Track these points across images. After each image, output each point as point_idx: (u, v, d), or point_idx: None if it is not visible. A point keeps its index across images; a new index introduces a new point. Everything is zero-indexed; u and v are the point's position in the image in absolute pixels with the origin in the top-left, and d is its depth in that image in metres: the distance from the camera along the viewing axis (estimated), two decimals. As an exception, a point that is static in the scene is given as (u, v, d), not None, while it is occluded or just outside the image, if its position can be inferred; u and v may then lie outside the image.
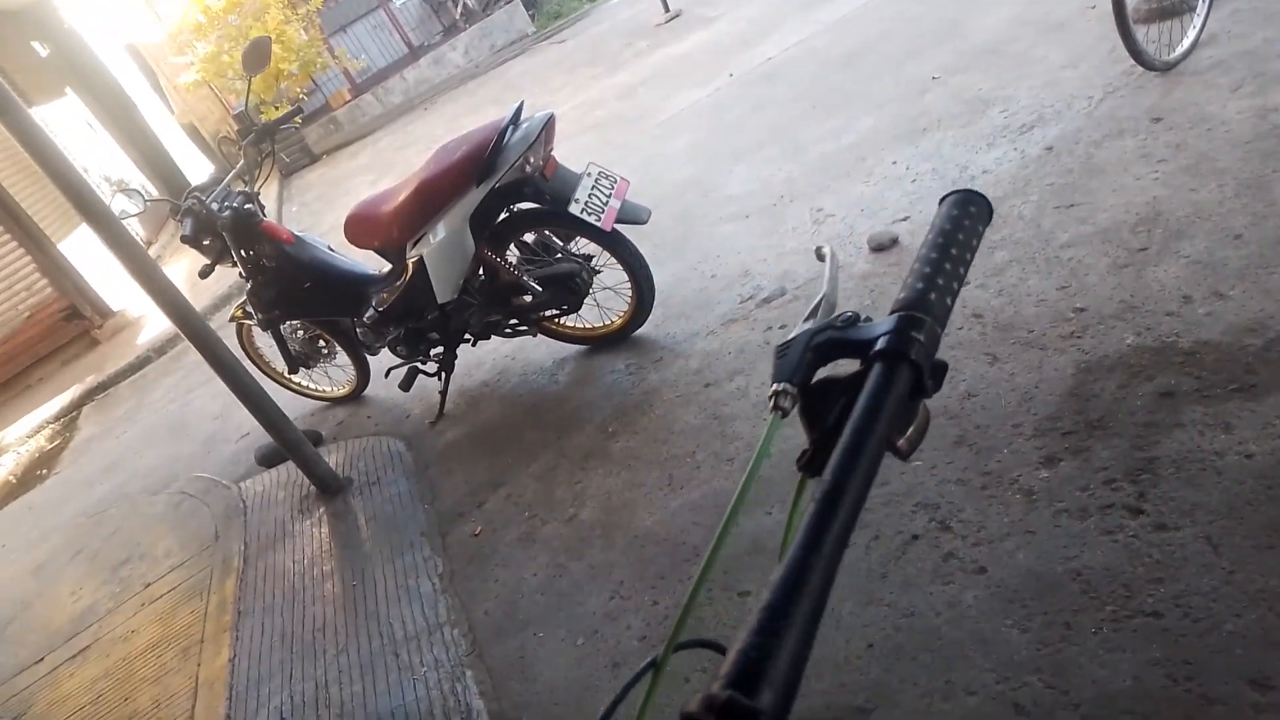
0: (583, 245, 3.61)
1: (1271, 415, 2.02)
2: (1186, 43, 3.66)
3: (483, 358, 4.20)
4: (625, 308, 3.67)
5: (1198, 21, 3.70)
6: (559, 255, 3.61)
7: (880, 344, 0.59)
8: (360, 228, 3.63)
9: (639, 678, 0.63)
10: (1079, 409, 2.30)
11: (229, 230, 3.76)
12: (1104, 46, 4.08)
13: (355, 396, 4.53)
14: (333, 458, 3.84)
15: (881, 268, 3.33)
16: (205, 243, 3.81)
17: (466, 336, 3.83)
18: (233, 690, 2.73)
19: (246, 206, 3.80)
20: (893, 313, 0.61)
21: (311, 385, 4.65)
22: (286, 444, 3.48)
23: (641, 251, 3.47)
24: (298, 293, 3.89)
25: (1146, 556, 1.86)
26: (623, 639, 2.33)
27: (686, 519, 2.61)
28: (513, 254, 3.59)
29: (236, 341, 4.43)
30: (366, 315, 3.82)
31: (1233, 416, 2.06)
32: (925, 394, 0.60)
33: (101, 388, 7.24)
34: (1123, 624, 1.76)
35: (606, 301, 3.71)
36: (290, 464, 3.92)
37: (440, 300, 3.59)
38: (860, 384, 0.58)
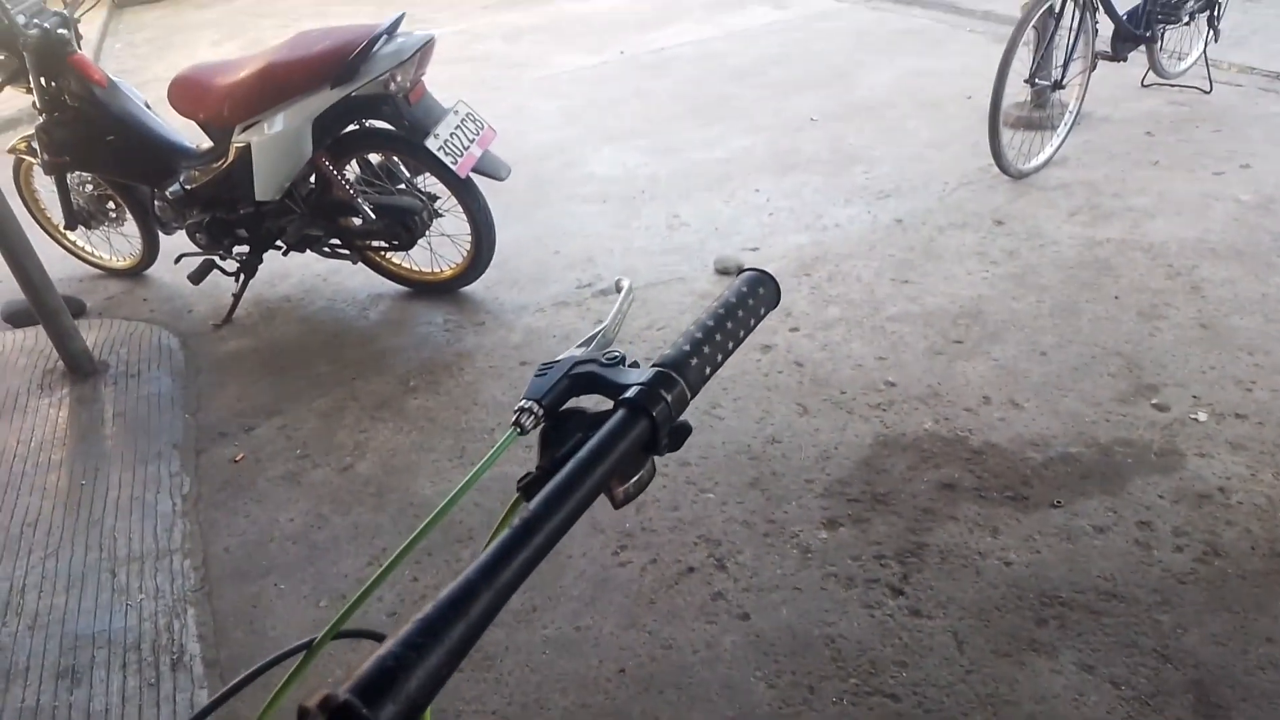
0: (430, 183, 3.39)
1: (1034, 529, 2.16)
2: (1042, 157, 3.91)
3: (290, 269, 3.88)
4: (459, 260, 3.49)
5: (1056, 141, 3.96)
6: (402, 186, 3.38)
7: (629, 393, 0.60)
8: (188, 93, 3.25)
9: (290, 655, 0.59)
10: (868, 479, 2.38)
11: (32, 52, 3.27)
12: (970, 137, 4.29)
13: (136, 273, 4.08)
14: (92, 335, 3.43)
15: (719, 290, 3.33)
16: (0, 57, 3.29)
17: (278, 243, 3.52)
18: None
19: (60, 31, 3.31)
20: (653, 366, 0.63)
21: (88, 248, 4.14)
22: (42, 310, 3.06)
23: (490, 207, 3.30)
24: (98, 144, 3.43)
25: (897, 638, 1.94)
26: (370, 610, 2.19)
27: (470, 497, 2.50)
28: (351, 170, 3.33)
29: (11, 176, 3.87)
30: (170, 190, 3.43)
31: (1001, 522, 2.19)
32: (657, 450, 0.61)
33: None
34: (861, 700, 1.82)
35: (440, 248, 3.51)
36: (40, 330, 3.46)
37: (259, 197, 3.28)
38: (600, 424, 0.59)
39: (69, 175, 3.66)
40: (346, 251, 3.48)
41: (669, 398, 0.60)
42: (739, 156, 4.51)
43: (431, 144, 3.01)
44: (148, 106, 3.56)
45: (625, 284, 0.83)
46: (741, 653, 1.95)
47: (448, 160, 3.04)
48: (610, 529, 2.31)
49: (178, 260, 3.60)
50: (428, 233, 3.36)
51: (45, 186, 3.97)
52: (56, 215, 3.94)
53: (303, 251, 3.54)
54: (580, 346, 0.70)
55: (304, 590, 2.28)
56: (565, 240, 3.89)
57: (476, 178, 3.19)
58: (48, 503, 2.61)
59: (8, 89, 3.46)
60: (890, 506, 2.28)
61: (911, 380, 2.72)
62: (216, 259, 3.54)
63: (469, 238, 3.38)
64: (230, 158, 3.25)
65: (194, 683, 2.04)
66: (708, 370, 0.65)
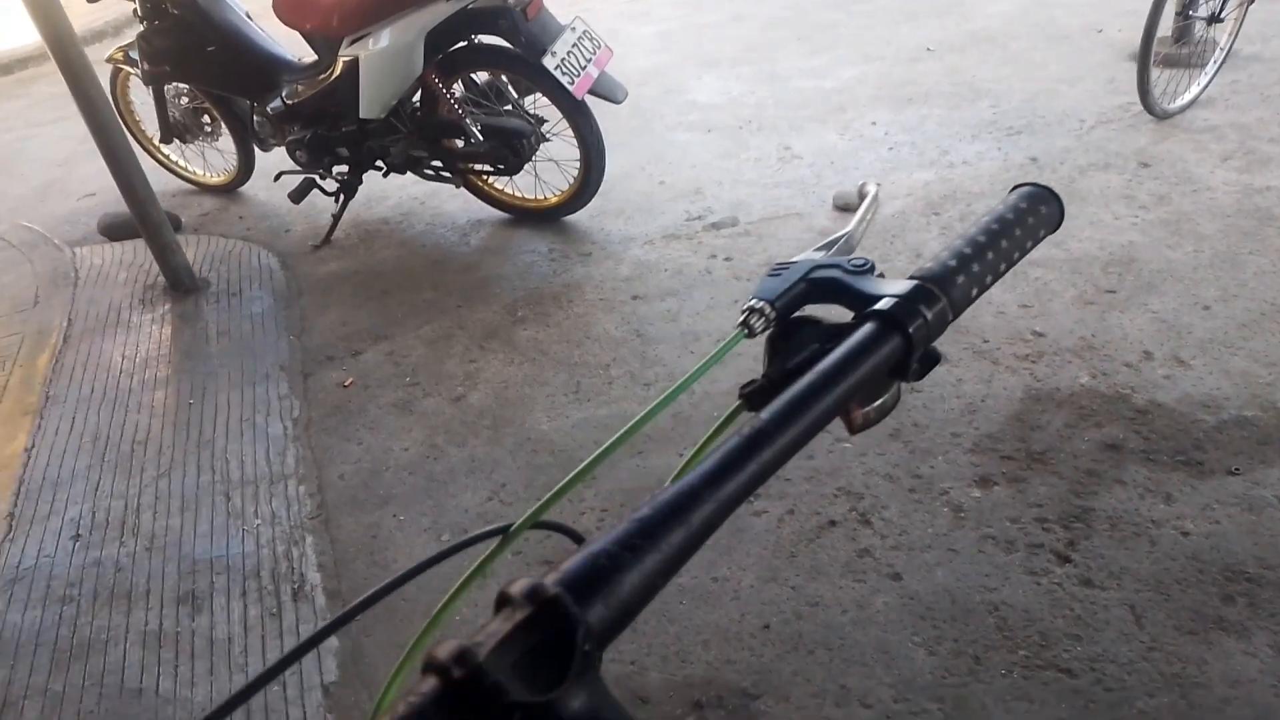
0: (538, 104, 3.23)
1: (1212, 498, 1.98)
2: (1187, 97, 3.60)
3: (388, 191, 3.77)
4: (566, 186, 3.34)
5: (1203, 80, 3.65)
6: (509, 107, 3.23)
7: (882, 303, 0.53)
8: (295, 2, 3.10)
9: (485, 537, 0.53)
10: (1022, 436, 2.21)
11: (133, -45, 3.15)
12: (1104, 74, 3.99)
13: (230, 189, 4.01)
14: (190, 252, 3.36)
15: (840, 227, 3.14)
16: (100, -39, 3.18)
17: (379, 163, 3.40)
18: (22, 485, 2.34)
19: (162, -66, 3.19)
20: (910, 278, 0.55)
21: (183, 163, 4.07)
22: (145, 222, 2.99)
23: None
24: (198, 54, 3.33)
25: (1068, 609, 1.79)
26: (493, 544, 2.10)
27: (588, 435, 2.39)
28: (458, 89, 3.18)
29: (108, 88, 3.79)
30: (272, 105, 3.32)
31: (1175, 489, 2.01)
32: (905, 376, 0.54)
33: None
34: (1034, 673, 1.69)
35: (547, 174, 3.36)
36: (139, 243, 3.41)
37: (363, 115, 3.15)
38: (843, 336, 0.53)
39: (166, 87, 3.57)
40: (449, 174, 3.35)
41: (929, 315, 0.52)
42: (850, 87, 4.26)
43: (549, 62, 2.85)
44: (249, 18, 3.44)
45: (872, 188, 0.75)
46: (896, 615, 1.82)
47: (564, 80, 2.87)
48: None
49: (277, 178, 3.50)
50: (534, 157, 3.22)
51: (141, 99, 3.90)
52: (151, 128, 3.88)
53: (403, 173, 3.42)
54: (819, 250, 0.64)
55: (424, 523, 2.20)
56: (670, 170, 3.71)
57: (591, 101, 3.03)
58: (156, 421, 2.57)
59: (109, -6, 3.35)
60: (1049, 466, 2.11)
61: (1061, 331, 2.53)
62: (316, 178, 3.43)
63: (577, 164, 3.22)
64: (336, 72, 3.12)
65: (316, 614, 1.98)
66: (974, 291, 0.57)
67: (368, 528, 2.21)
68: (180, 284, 3.12)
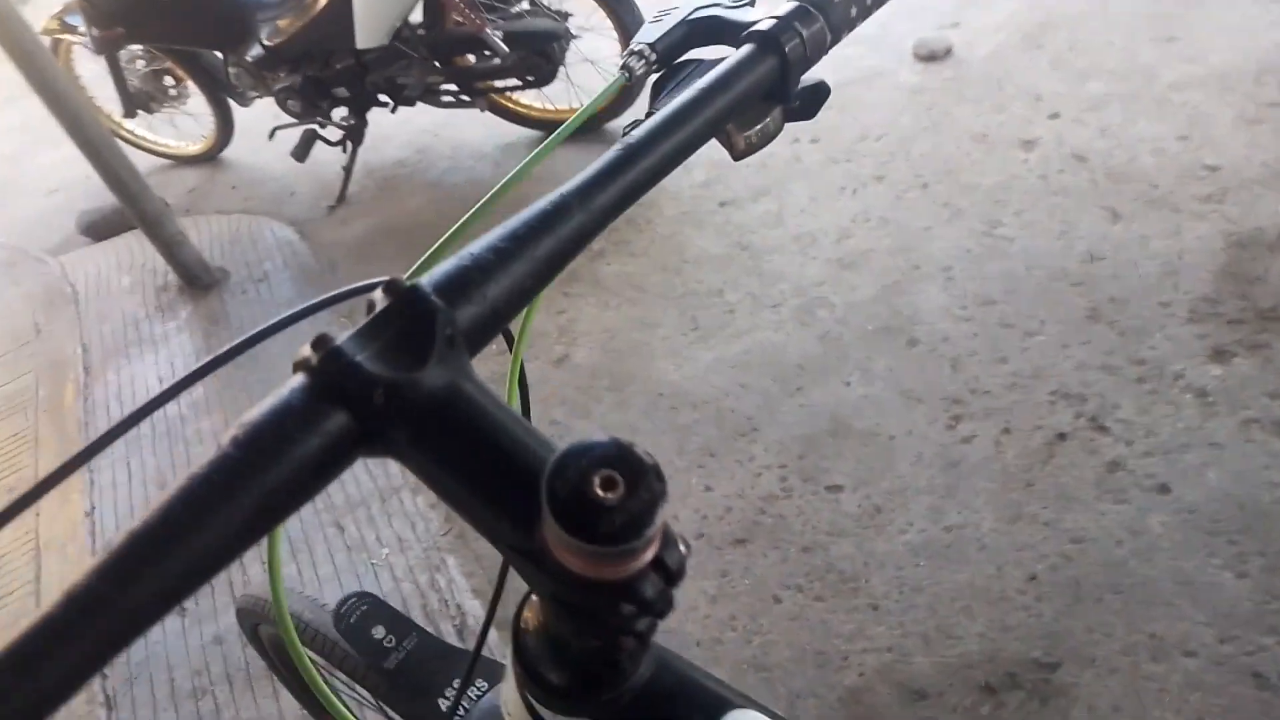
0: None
1: None
2: None
3: (391, 130, 3.31)
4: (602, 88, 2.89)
5: None
6: (526, 5, 2.76)
7: (756, 25, 0.53)
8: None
9: (371, 289, 0.41)
10: (1242, 293, 1.89)
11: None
12: None
13: (212, 156, 3.54)
14: (193, 238, 2.93)
15: (934, 80, 2.75)
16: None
17: (383, 98, 2.95)
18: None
19: None
20: (789, 0, 0.54)
21: (150, 136, 3.58)
22: (143, 217, 2.56)
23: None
24: (154, 7, 2.82)
25: (1388, 495, 1.52)
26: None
27: (728, 379, 2.06)
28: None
29: (46, 64, 3.27)
30: (251, 52, 2.84)
31: None
32: (786, 99, 0.55)
33: None
34: (1381, 582, 1.42)
35: (580, 77, 2.92)
36: (131, 239, 2.99)
37: (360, 45, 2.69)
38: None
39: (121, 52, 3.06)
40: (468, 98, 2.90)
41: (804, 34, 0.53)
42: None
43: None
44: (200, -50, 2.91)
45: None
46: (1180, 536, 1.54)
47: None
48: (930, 397, 1.87)
49: (271, 135, 3.03)
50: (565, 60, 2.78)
51: (87, 70, 3.38)
52: (106, 103, 3.37)
53: (413, 104, 2.97)
54: None
55: (574, 517, 1.89)
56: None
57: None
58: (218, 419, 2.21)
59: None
60: (1291, 323, 1.81)
61: (1238, 160, 2.18)
62: (316, 128, 2.98)
63: (618, 59, 2.78)
64: (323, 0, 2.64)
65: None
66: (853, 11, 0.56)
67: (511, 533, 1.90)
68: (196, 280, 2.71)
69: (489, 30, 2.61)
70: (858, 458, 1.81)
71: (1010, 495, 1.68)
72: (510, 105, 3.00)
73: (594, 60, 2.85)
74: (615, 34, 2.69)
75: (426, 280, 0.37)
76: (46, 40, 3.18)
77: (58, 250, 3.23)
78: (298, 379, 0.34)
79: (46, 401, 2.45)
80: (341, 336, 0.34)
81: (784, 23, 0.52)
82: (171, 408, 2.38)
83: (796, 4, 0.54)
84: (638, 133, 0.47)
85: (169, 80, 3.28)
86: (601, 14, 2.69)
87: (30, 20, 2.37)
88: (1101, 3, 2.84)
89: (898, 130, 2.61)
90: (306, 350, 0.34)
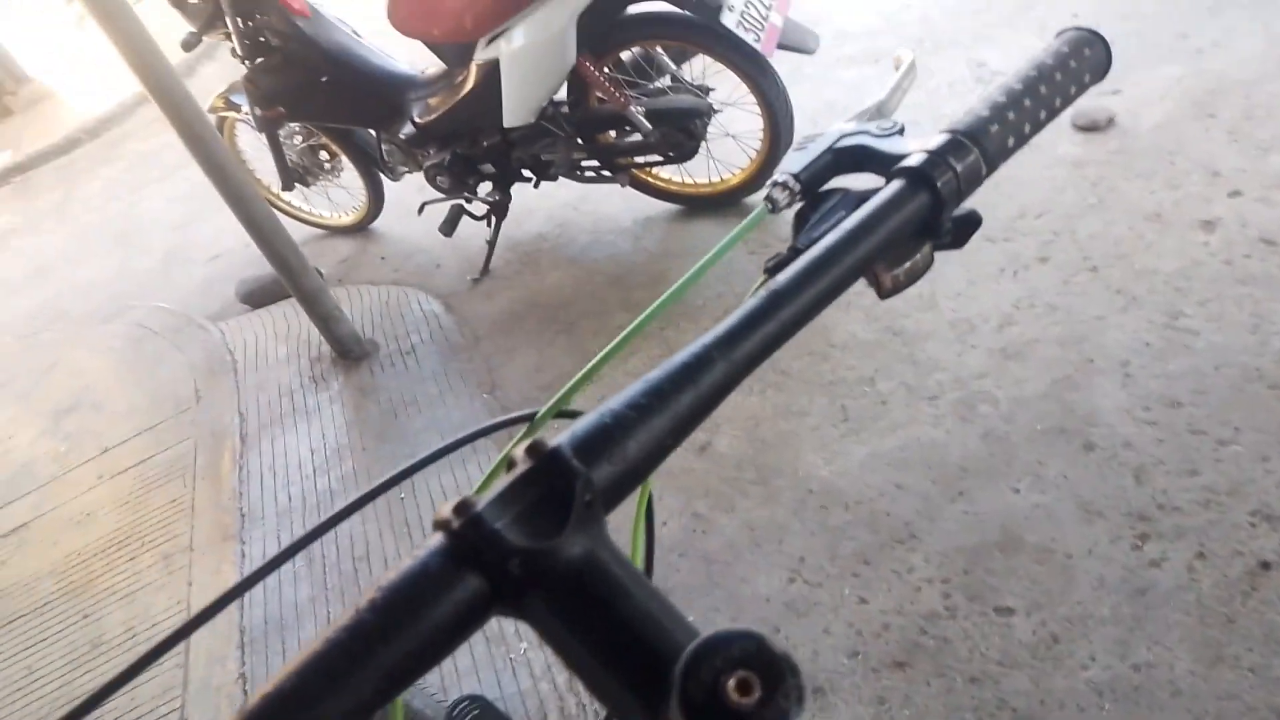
0: (706, 73, 2.75)
1: None
2: None
3: (533, 204, 3.36)
4: (746, 162, 2.86)
5: None
6: (668, 81, 2.76)
7: (908, 159, 0.51)
8: (416, 7, 2.68)
9: (511, 424, 0.50)
10: None
11: (226, -11, 2.78)
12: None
13: (362, 227, 3.67)
14: (345, 309, 3.03)
15: (1097, 153, 2.59)
16: (193, 1, 2.82)
17: (527, 174, 2.99)
18: (244, 634, 2.04)
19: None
20: (942, 131, 0.52)
21: (306, 208, 3.75)
22: (301, 293, 2.66)
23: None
24: (313, 88, 2.95)
25: None
26: (821, 648, 1.70)
27: (883, 477, 1.96)
28: (607, 72, 2.72)
29: (216, 141, 3.47)
30: (403, 130, 2.94)
31: None
32: (938, 236, 0.52)
33: (19, 169, 6.07)
34: None
35: (719, 151, 2.89)
36: (287, 307, 3.11)
37: (509, 124, 2.73)
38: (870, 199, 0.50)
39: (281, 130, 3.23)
40: (609, 173, 2.91)
41: (958, 168, 0.50)
42: (1027, -24, 3.62)
43: (728, 20, 2.36)
44: (356, 35, 3.04)
45: (908, 57, 0.68)
46: None
47: (748, 38, 2.39)
48: (1112, 510, 1.72)
49: (421, 210, 3.12)
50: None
51: (249, 144, 3.57)
52: (266, 177, 3.55)
53: (555, 179, 3.00)
54: (851, 120, 0.60)
55: (719, 621, 1.80)
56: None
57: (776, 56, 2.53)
58: (371, 527, 2.25)
59: (205, 39, 2.99)
60: None
61: None
62: (463, 203, 3.05)
63: (759, 134, 2.74)
64: (472, 80, 2.71)
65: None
66: (1011, 141, 0.54)
67: (654, 636, 1.84)
68: (349, 352, 2.80)
69: (633, 108, 2.61)
70: (1031, 577, 1.67)
71: (1208, 632, 1.51)
72: (650, 180, 3.00)
73: (735, 135, 2.82)
74: (758, 108, 2.65)
75: (567, 441, 0.37)
76: (212, 118, 3.40)
77: (217, 316, 3.40)
78: (436, 540, 0.34)
79: (204, 470, 2.56)
80: (482, 502, 0.34)
81: (937, 157, 0.50)
82: (321, 481, 2.44)
83: (949, 135, 0.51)
84: (782, 278, 0.46)
85: (324, 155, 3.43)
86: (745, 89, 2.66)
87: (195, 95, 2.51)
88: (1275, 63, 2.63)
89: (1060, 207, 2.46)
90: (447, 511, 0.34)
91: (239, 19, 2.84)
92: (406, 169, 3.16)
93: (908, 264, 0.53)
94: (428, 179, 3.03)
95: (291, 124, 3.27)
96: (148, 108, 5.82)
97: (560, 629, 0.35)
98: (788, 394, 2.24)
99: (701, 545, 1.97)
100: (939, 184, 0.50)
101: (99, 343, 3.42)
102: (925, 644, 1.64)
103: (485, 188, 3.05)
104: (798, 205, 0.56)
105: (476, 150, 2.90)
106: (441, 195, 3.05)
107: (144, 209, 4.71)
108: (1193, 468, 1.75)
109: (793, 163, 0.57)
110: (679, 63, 2.77)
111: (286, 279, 2.61)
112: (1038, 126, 0.56)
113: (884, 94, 0.65)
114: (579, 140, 2.80)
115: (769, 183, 0.55)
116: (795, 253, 0.50)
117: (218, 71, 6.24)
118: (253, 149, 3.57)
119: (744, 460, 2.12)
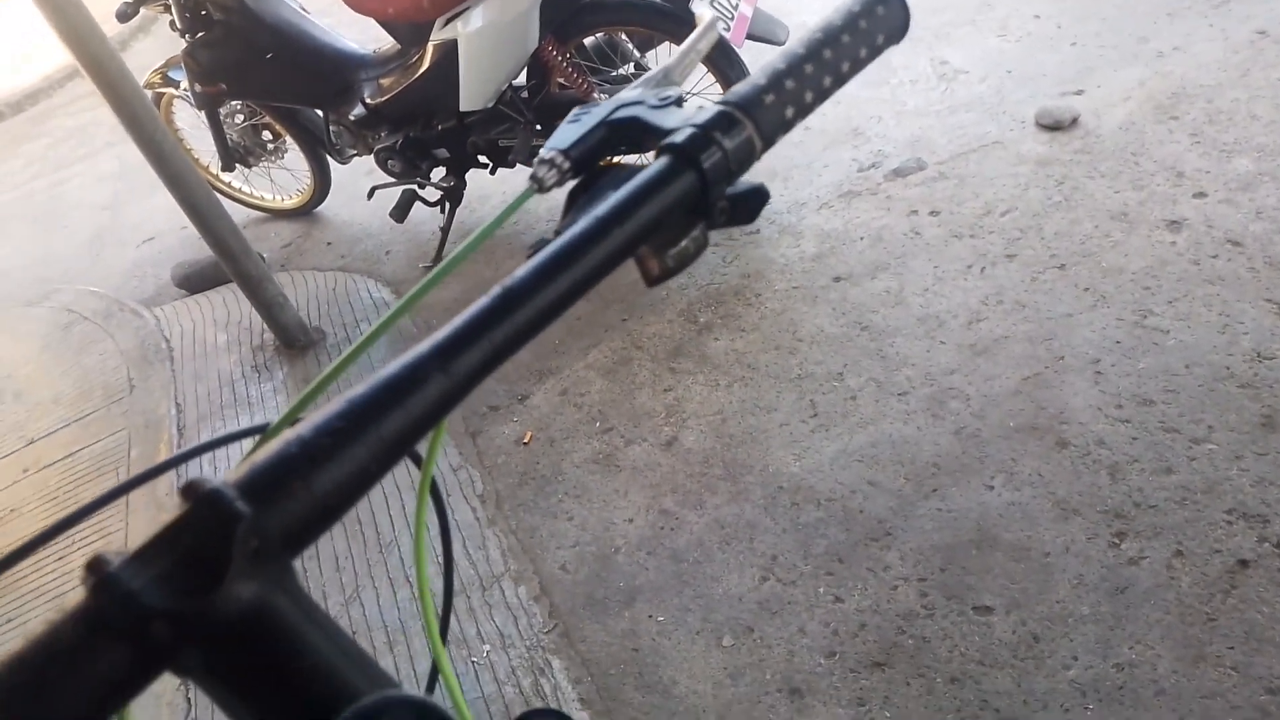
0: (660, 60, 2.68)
1: None
2: None
3: (488, 190, 3.26)
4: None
5: None
6: (631, 68, 2.69)
7: (674, 135, 0.46)
8: (372, -16, 2.56)
9: (241, 437, 0.48)
10: None
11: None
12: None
13: (307, 211, 3.52)
14: (289, 295, 2.89)
15: (1062, 152, 2.60)
16: (131, -29, 2.67)
17: (483, 160, 2.90)
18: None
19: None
20: (717, 103, 0.47)
21: (247, 189, 3.59)
22: (244, 279, 2.52)
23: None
24: (257, 65, 2.81)
25: None
26: (797, 648, 1.65)
27: (855, 474, 1.92)
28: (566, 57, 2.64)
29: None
30: (353, 111, 2.81)
31: None
32: (708, 215, 0.47)
33: (-68, 144, 5.73)
34: None
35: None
36: (226, 292, 2.96)
37: (464, 107, 2.64)
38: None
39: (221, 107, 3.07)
40: (569, 160, 2.82)
41: (727, 145, 0.46)
42: (986, -23, 3.63)
43: (699, 6, 2.30)
44: (304, 11, 2.91)
45: (707, 15, 0.59)
46: (1401, 695, 1.35)
47: (719, 27, 2.33)
48: (1088, 508, 1.71)
49: (370, 195, 3.00)
50: (672, 124, 2.68)
51: (187, 123, 3.41)
52: (205, 157, 3.39)
53: (513, 166, 2.90)
54: (636, 88, 0.54)
55: (692, 623, 1.76)
56: (814, 114, 3.15)
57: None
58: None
59: (143, 10, 2.82)
60: None
61: None
62: (416, 188, 2.93)
63: (725, 124, 2.68)
64: (428, 61, 2.60)
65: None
66: (790, 113, 0.49)
67: (622, 637, 1.77)
68: (294, 341, 2.66)
69: (595, 94, 2.54)
70: (1009, 575, 1.65)
71: (1190, 631, 1.50)
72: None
73: (701, 125, 2.76)
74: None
75: (243, 475, 0.32)
76: (149, 94, 3.22)
77: (151, 302, 3.23)
78: (75, 601, 0.30)
79: (138, 463, 2.41)
80: (120, 558, 0.30)
81: (702, 134, 0.45)
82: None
83: (720, 109, 0.47)
84: (520, 272, 0.41)
85: (267, 135, 3.28)
86: (711, 79, 2.60)
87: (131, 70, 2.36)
88: (1240, 72, 2.67)
89: (1026, 205, 2.46)
90: (88, 563, 0.30)
91: (180, -11, 2.69)
92: (355, 152, 3.04)
93: (678, 247, 0.48)
94: (378, 163, 2.91)
95: (233, 102, 3.12)
96: (78, 82, 5.56)
97: (220, 688, 0.32)
98: (755, 389, 2.19)
99: (670, 543, 1.91)
100: (705, 163, 0.45)
101: (21, 328, 3.21)
102: (904, 644, 1.60)
103: (439, 173, 2.94)
104: (571, 183, 0.51)
105: (430, 134, 2.79)
106: (392, 180, 2.94)
107: (69, 189, 4.47)
108: (1167, 466, 1.74)
109: (563, 137, 0.52)
110: (644, 51, 2.71)
111: (227, 263, 2.47)
112: (823, 94, 0.51)
113: (674, 58, 0.59)
114: (538, 126, 2.71)
115: (535, 159, 0.50)
116: (559, 234, 0.46)
117: (153, 45, 5.98)
118: (191, 127, 3.41)
119: (712, 456, 2.06)
